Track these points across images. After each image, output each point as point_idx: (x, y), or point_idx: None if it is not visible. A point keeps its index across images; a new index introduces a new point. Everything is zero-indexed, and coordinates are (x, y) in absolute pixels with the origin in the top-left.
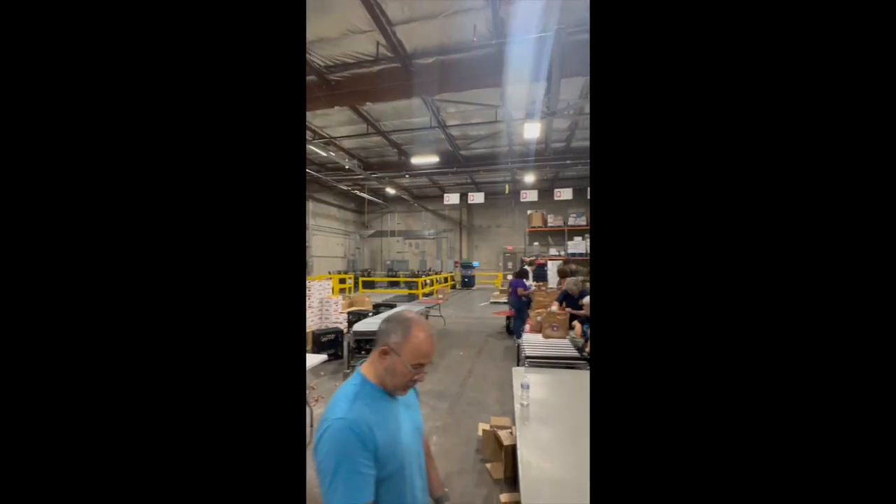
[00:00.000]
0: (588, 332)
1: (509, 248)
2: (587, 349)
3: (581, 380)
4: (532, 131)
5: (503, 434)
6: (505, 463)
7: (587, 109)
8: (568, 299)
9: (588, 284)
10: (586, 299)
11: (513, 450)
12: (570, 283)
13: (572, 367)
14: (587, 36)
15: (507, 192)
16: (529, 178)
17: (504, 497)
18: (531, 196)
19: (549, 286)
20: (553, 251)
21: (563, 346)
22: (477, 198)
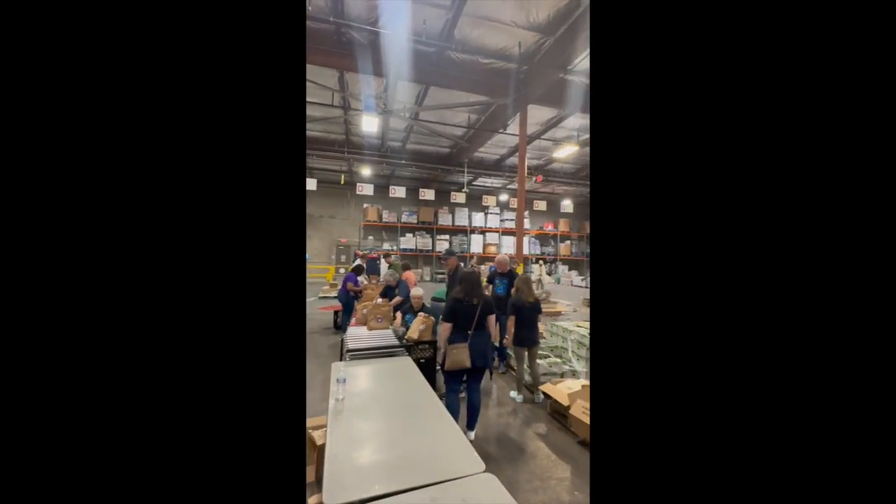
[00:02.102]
0: (409, 320)
1: (343, 240)
2: (407, 336)
3: (400, 364)
4: (370, 125)
5: (318, 434)
6: (317, 463)
7: (422, 116)
8: (389, 290)
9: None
10: (413, 291)
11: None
12: (387, 275)
13: (393, 356)
14: (425, 48)
15: (342, 182)
16: (366, 171)
17: (312, 500)
18: (367, 190)
19: (380, 279)
20: (387, 246)
21: (385, 336)
22: (309, 184)
